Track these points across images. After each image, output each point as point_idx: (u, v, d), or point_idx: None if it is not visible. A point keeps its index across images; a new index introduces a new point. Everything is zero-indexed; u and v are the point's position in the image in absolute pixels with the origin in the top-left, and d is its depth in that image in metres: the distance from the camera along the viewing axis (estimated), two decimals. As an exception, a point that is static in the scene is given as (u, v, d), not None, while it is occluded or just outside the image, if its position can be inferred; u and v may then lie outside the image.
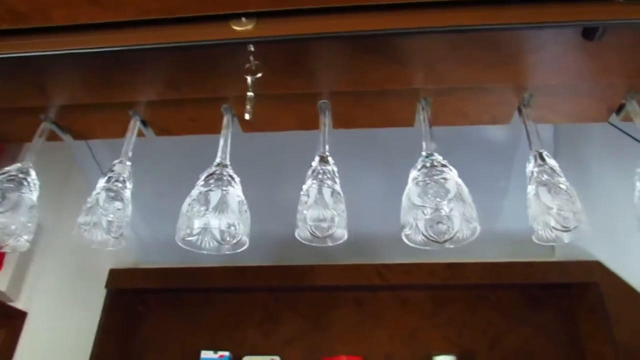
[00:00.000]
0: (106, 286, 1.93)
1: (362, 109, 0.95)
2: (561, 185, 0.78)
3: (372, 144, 1.63)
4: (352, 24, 0.71)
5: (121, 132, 0.97)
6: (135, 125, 0.97)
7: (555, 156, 1.70)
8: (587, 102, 0.90)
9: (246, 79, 0.76)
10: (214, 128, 0.95)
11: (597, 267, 1.82)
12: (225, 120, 0.94)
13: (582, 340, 1.82)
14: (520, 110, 0.90)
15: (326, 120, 0.94)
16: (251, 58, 0.75)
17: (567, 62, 0.77)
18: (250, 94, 0.75)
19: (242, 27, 0.70)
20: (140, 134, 1.02)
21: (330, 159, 0.89)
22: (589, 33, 0.69)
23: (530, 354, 1.84)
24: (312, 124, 0.96)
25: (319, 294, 2.01)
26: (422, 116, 0.90)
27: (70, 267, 1.85)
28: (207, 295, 2.05)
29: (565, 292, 1.93)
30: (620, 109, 0.90)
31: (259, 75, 0.76)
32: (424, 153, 0.85)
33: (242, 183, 0.89)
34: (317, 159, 0.88)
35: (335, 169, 0.87)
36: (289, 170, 1.71)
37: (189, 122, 1.00)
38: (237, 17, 0.71)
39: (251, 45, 0.74)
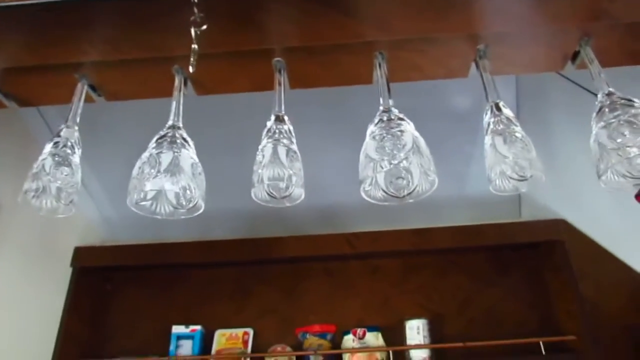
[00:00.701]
0: (72, 265, 1.89)
1: (317, 66, 0.93)
2: (517, 134, 0.77)
3: (339, 112, 1.61)
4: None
5: (69, 98, 0.93)
6: (82, 89, 0.93)
7: (518, 119, 1.72)
8: (543, 51, 0.89)
9: (195, 32, 0.72)
10: (166, 91, 0.91)
11: (562, 225, 1.85)
12: (176, 82, 0.91)
13: (550, 298, 1.87)
14: (476, 62, 0.89)
15: (281, 79, 0.92)
16: (195, 10, 0.71)
17: (518, 7, 0.76)
18: (194, 46, 0.72)
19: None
20: (90, 99, 0.98)
21: (286, 118, 0.86)
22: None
23: (499, 314, 1.88)
24: (267, 84, 0.93)
25: (289, 266, 2.01)
26: (378, 72, 0.89)
27: (32, 246, 1.80)
28: (177, 271, 2.03)
29: (533, 252, 1.96)
30: (575, 56, 0.89)
31: (204, 27, 0.73)
32: (381, 108, 0.84)
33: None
34: (272, 117, 0.86)
35: (292, 128, 0.85)
36: (259, 141, 1.69)
37: (139, 85, 0.96)
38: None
39: (195, -5, 0.70)
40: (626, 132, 0.72)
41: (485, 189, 0.83)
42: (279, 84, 0.90)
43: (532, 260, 1.96)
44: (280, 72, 0.91)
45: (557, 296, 1.83)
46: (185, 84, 0.96)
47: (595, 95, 1.48)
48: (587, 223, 1.80)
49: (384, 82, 0.87)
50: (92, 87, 0.96)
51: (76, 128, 0.88)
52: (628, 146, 0.71)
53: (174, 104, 0.88)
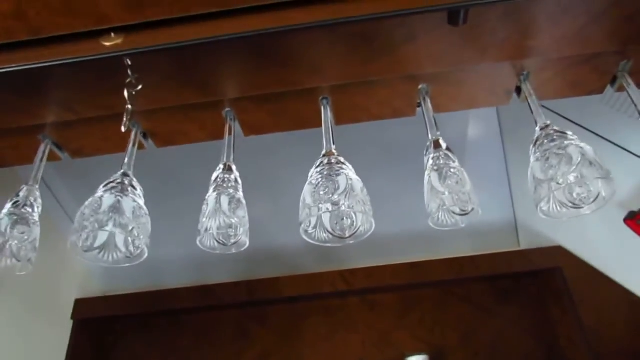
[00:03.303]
0: (72, 317, 1.92)
1: (266, 113, 0.95)
2: (452, 170, 0.78)
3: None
4: (220, 28, 0.72)
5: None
6: (45, 149, 0.97)
7: (504, 146, 1.72)
8: (485, 87, 0.90)
9: (128, 92, 0.76)
10: (126, 145, 0.95)
11: (559, 252, 1.82)
12: (132, 135, 0.94)
13: (552, 325, 1.82)
14: (420, 102, 0.91)
15: (233, 128, 0.95)
16: (129, 72, 0.75)
17: (443, 49, 0.77)
18: (128, 106, 0.75)
19: (111, 42, 0.71)
20: (56, 158, 1.02)
21: (234, 167, 0.89)
22: (452, 19, 0.70)
23: (503, 346, 1.83)
24: (221, 134, 0.96)
25: (287, 306, 2.01)
26: (323, 116, 0.91)
27: (32, 299, 1.83)
28: (177, 317, 2.04)
29: (533, 280, 1.93)
30: (519, 90, 0.90)
31: (139, 88, 0.76)
32: (323, 152, 0.85)
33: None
34: (220, 167, 0.88)
35: (238, 176, 0.88)
36: (253, 185, 1.73)
37: (102, 141, 1.00)
38: (106, 33, 0.71)
39: (128, 60, 0.74)
40: (556, 164, 0.72)
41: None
42: (229, 134, 0.93)
43: (532, 288, 1.92)
44: (230, 121, 0.95)
45: (559, 323, 1.79)
46: (144, 137, 1.00)
47: (573, 122, 1.48)
48: (584, 249, 1.77)
49: (327, 126, 0.88)
50: (58, 146, 1.01)
51: (37, 187, 0.92)
52: (557, 179, 0.72)
53: (127, 156, 0.91)
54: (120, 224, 0.78)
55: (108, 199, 0.79)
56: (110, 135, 0.99)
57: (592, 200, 0.78)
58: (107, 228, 0.77)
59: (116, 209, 0.79)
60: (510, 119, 1.67)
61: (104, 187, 0.83)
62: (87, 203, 0.80)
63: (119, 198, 0.80)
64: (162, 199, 1.64)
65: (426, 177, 0.81)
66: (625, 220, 1.50)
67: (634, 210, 1.48)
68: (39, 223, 0.89)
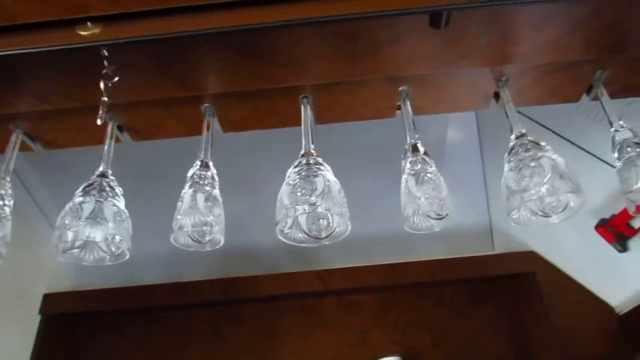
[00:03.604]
0: (40, 312, 1.87)
1: (247, 110, 0.94)
2: (429, 175, 0.78)
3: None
4: (203, 22, 0.71)
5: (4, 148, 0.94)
6: (17, 139, 0.95)
7: (482, 151, 1.73)
8: (464, 91, 0.91)
9: (104, 84, 0.74)
10: (102, 138, 0.93)
11: (532, 257, 1.85)
12: (108, 129, 0.93)
13: (524, 328, 1.85)
14: (400, 103, 0.91)
15: (211, 124, 0.93)
16: (105, 63, 0.74)
17: (426, 51, 0.78)
18: (104, 99, 0.74)
19: (88, 32, 0.69)
20: (28, 148, 1.00)
21: (210, 163, 0.88)
22: (434, 22, 0.70)
23: (474, 347, 1.85)
24: (200, 129, 0.95)
25: (263, 305, 1.99)
26: (303, 115, 0.90)
27: (-2, 293, 1.79)
28: (149, 314, 2.01)
29: (506, 283, 1.95)
30: (497, 96, 0.91)
31: (116, 79, 0.75)
32: (302, 151, 0.85)
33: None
34: (197, 163, 0.87)
35: (215, 173, 0.87)
36: (231, 182, 1.71)
37: (75, 133, 0.98)
38: (82, 22, 0.69)
39: (104, 50, 0.73)
40: (528, 176, 0.73)
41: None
42: (207, 130, 0.92)
43: (505, 292, 1.94)
44: (209, 117, 0.93)
45: (531, 327, 1.81)
46: (120, 130, 0.98)
47: (550, 129, 1.50)
48: (556, 254, 1.80)
49: (307, 126, 0.88)
50: (30, 137, 0.98)
51: (8, 179, 0.89)
52: (529, 189, 0.72)
53: (105, 150, 0.90)
54: (101, 231, 0.77)
55: (88, 205, 0.78)
56: (85, 128, 0.97)
57: (560, 209, 0.79)
58: (89, 235, 0.77)
59: (97, 215, 0.77)
60: (488, 124, 1.69)
61: (82, 190, 0.82)
62: (67, 209, 0.79)
63: (99, 203, 0.79)
64: (139, 195, 1.61)
65: (403, 181, 0.81)
66: (597, 227, 1.53)
67: (605, 217, 1.51)
68: (10, 217, 0.86)
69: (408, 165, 0.82)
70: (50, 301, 1.90)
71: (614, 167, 1.39)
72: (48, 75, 0.83)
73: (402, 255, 1.92)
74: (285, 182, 0.79)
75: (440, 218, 0.80)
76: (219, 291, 1.94)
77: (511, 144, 0.81)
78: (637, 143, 0.79)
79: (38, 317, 1.87)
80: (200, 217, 0.80)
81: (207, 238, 0.84)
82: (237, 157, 1.76)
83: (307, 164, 0.81)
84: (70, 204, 0.81)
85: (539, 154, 0.75)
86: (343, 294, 1.99)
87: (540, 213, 0.78)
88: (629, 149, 0.79)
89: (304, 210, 0.74)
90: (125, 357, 1.94)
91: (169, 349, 1.94)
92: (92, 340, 1.98)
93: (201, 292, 1.94)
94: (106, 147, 0.90)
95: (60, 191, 1.70)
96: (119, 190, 0.86)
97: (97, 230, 0.78)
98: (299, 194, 0.75)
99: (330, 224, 0.82)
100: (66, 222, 0.78)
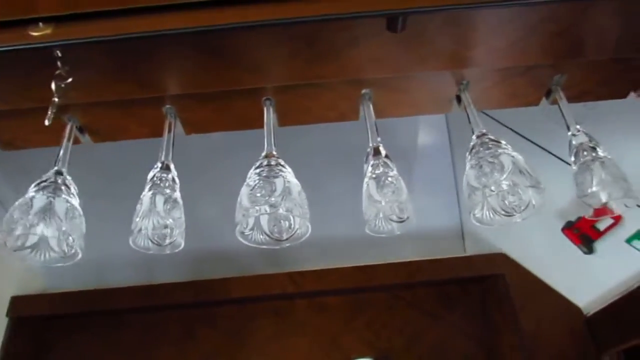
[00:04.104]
0: (7, 314, 1.84)
1: (209, 111, 0.94)
2: (390, 178, 0.78)
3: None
4: (159, 23, 0.70)
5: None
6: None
7: (453, 153, 1.74)
8: (426, 95, 0.92)
9: (56, 85, 0.73)
10: (61, 139, 0.91)
11: (502, 259, 1.87)
12: (67, 129, 0.91)
13: (494, 330, 1.86)
14: (362, 106, 0.91)
15: (173, 125, 0.92)
16: (59, 63, 0.72)
17: (385, 54, 0.78)
18: (54, 99, 0.73)
19: (39, 32, 0.68)
20: (-16, 149, 0.98)
21: (172, 165, 0.87)
22: (391, 25, 0.70)
23: (445, 349, 1.86)
24: (162, 131, 0.94)
25: (234, 307, 1.98)
26: (265, 117, 0.90)
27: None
28: (119, 316, 1.98)
29: (476, 285, 1.97)
30: (459, 99, 0.92)
31: (70, 80, 0.74)
32: (264, 153, 0.84)
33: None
34: (158, 165, 0.86)
35: (176, 175, 0.86)
36: (203, 185, 1.71)
37: (35, 134, 0.97)
38: (34, 22, 0.68)
39: (57, 51, 0.71)
40: (489, 172, 0.74)
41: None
42: (169, 131, 0.91)
43: (476, 294, 1.96)
44: (170, 119, 0.92)
45: (501, 330, 1.83)
46: (81, 132, 0.97)
47: (518, 133, 1.52)
48: (525, 256, 1.82)
49: (269, 127, 0.88)
50: (-13, 138, 0.96)
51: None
52: (489, 185, 0.73)
53: (61, 151, 0.88)
54: (51, 226, 0.75)
55: (39, 200, 0.76)
56: (43, 128, 0.94)
57: (523, 208, 0.80)
58: (38, 231, 0.74)
59: (47, 210, 0.76)
60: (459, 127, 1.70)
61: (35, 186, 0.80)
62: (16, 204, 0.77)
63: (51, 199, 0.77)
64: (108, 197, 1.60)
65: (364, 185, 0.81)
66: (563, 229, 1.56)
67: (571, 220, 1.54)
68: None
69: (370, 168, 0.82)
70: (18, 304, 1.87)
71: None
72: (3, 76, 0.82)
73: (374, 258, 1.93)
74: (245, 183, 0.78)
75: (401, 221, 0.80)
76: (190, 293, 1.92)
77: (472, 143, 0.82)
78: (592, 147, 0.80)
79: (5, 320, 1.83)
80: (159, 220, 0.79)
81: (167, 241, 0.83)
82: (209, 161, 1.75)
83: (269, 165, 0.81)
84: (20, 200, 0.79)
85: (499, 150, 0.76)
86: (315, 296, 1.98)
87: (502, 212, 0.79)
88: (584, 153, 0.80)
89: (265, 211, 0.73)
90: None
91: (140, 351, 1.92)
92: (61, 343, 1.94)
93: (173, 295, 1.92)
94: (62, 148, 0.89)
95: (26, 192, 1.67)
96: (73, 188, 0.85)
97: (48, 226, 0.76)
98: (258, 194, 0.75)
99: (292, 226, 0.81)
100: (15, 216, 0.76)
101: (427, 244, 1.92)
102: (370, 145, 0.86)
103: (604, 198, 0.76)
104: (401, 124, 1.70)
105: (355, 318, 1.95)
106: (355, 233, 1.84)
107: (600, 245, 1.51)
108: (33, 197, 0.77)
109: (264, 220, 0.82)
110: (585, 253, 1.52)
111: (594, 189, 0.77)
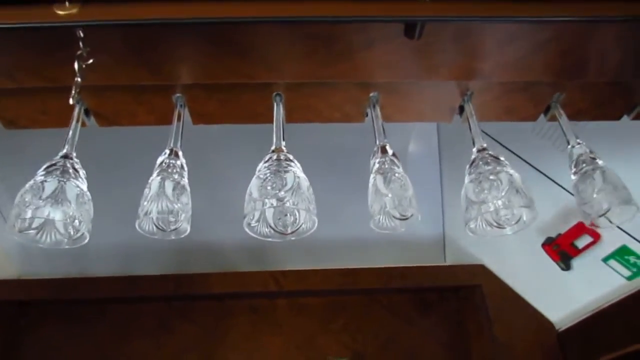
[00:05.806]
0: (-19, 299, 1.80)
1: (217, 103, 0.95)
2: (396, 174, 0.81)
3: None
4: (180, 11, 0.71)
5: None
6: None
7: (440, 163, 1.78)
8: (430, 103, 0.95)
9: (78, 65, 0.74)
10: (66, 121, 0.91)
11: (480, 270, 1.91)
12: (75, 112, 0.91)
13: (467, 340, 1.91)
14: (370, 109, 0.94)
15: (182, 114, 0.94)
16: (81, 44, 0.73)
17: (397, 60, 0.81)
18: (77, 79, 0.73)
19: (65, 11, 0.69)
20: (-13, 127, 0.97)
21: (180, 153, 0.88)
22: (409, 31, 0.73)
23: (418, 355, 1.90)
24: (169, 119, 0.95)
25: (213, 303, 1.98)
26: (274, 112, 0.92)
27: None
28: (96, 306, 1.96)
29: (453, 294, 2.01)
30: (461, 110, 0.95)
31: (90, 61, 0.74)
32: (272, 147, 0.86)
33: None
34: (167, 152, 0.87)
35: (184, 163, 0.87)
36: (193, 178, 1.69)
37: (39, 114, 0.96)
38: (61, 1, 0.69)
39: (80, 31, 0.72)
40: (487, 188, 0.77)
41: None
42: (178, 119, 0.92)
43: (453, 303, 2.01)
44: (179, 107, 0.94)
45: (474, 338, 1.88)
46: (87, 115, 0.97)
47: (506, 147, 1.56)
48: (503, 268, 1.86)
49: (279, 123, 0.90)
50: (-11, 115, 0.96)
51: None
52: (487, 201, 0.77)
53: (70, 133, 0.88)
54: (62, 211, 0.75)
55: (50, 184, 0.77)
56: (50, 109, 0.96)
57: (514, 222, 0.84)
58: (49, 215, 0.75)
59: (59, 195, 0.76)
60: (449, 138, 1.75)
61: (45, 170, 0.80)
62: (27, 187, 0.77)
63: (62, 183, 0.78)
64: (93, 185, 1.58)
65: (371, 180, 0.83)
66: (543, 245, 1.61)
67: (551, 236, 1.59)
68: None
69: (377, 165, 0.84)
70: (-9, 288, 1.83)
71: (563, 187, 1.47)
72: (17, 52, 0.82)
73: (357, 261, 1.95)
74: (255, 176, 0.80)
75: (404, 218, 0.82)
76: (170, 287, 1.91)
77: (473, 156, 0.85)
78: (592, 158, 0.84)
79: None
80: (168, 204, 0.80)
81: (173, 227, 0.84)
82: (200, 151, 1.75)
83: (278, 159, 0.82)
84: (31, 183, 0.79)
85: (498, 168, 0.80)
86: (295, 296, 2.00)
87: (495, 224, 0.82)
88: (584, 164, 0.84)
89: (272, 204, 0.75)
90: (69, 349, 1.88)
91: (115, 342, 1.90)
92: (35, 330, 1.91)
93: (152, 287, 1.91)
94: (71, 130, 0.89)
95: (9, 174, 1.64)
96: (82, 172, 0.85)
97: (58, 211, 0.77)
98: (269, 187, 0.77)
99: (297, 220, 0.83)
100: (26, 199, 0.77)
101: (409, 251, 1.96)
102: (377, 144, 0.89)
103: (605, 205, 0.80)
104: (393, 130, 1.73)
105: (333, 320, 1.98)
106: (340, 235, 1.86)
107: (577, 262, 1.56)
108: (44, 180, 0.77)
109: (269, 214, 0.84)
110: (563, 269, 1.57)
111: (595, 196, 0.80)
